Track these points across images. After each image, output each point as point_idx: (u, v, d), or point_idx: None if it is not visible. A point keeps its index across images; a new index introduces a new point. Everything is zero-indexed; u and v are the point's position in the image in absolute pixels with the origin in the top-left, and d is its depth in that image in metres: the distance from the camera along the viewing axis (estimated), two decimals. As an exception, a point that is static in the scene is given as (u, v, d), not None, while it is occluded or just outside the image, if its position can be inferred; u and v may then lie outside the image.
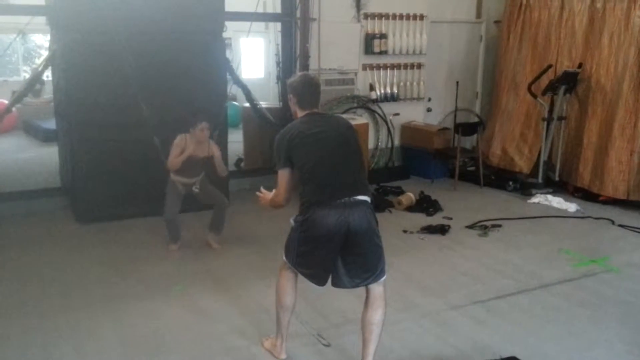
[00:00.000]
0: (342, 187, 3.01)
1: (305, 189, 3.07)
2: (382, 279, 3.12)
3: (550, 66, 7.08)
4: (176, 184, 4.99)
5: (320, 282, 3.14)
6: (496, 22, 8.28)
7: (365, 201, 3.05)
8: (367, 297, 3.13)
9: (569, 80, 6.91)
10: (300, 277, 3.21)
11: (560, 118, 7.11)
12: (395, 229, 5.71)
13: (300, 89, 3.17)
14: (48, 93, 10.11)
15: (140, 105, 5.04)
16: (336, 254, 3.05)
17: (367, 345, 3.11)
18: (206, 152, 4.93)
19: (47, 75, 7.11)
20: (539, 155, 7.26)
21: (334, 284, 3.14)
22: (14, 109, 6.87)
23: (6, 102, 9.72)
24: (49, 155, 7.77)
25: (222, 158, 5.23)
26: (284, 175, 3.11)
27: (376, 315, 3.09)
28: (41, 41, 12.94)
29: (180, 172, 4.92)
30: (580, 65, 6.92)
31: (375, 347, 3.11)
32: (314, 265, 3.10)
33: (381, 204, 6.41)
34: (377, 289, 3.11)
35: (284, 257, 3.22)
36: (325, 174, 3.04)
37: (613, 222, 5.99)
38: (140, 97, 5.08)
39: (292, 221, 3.15)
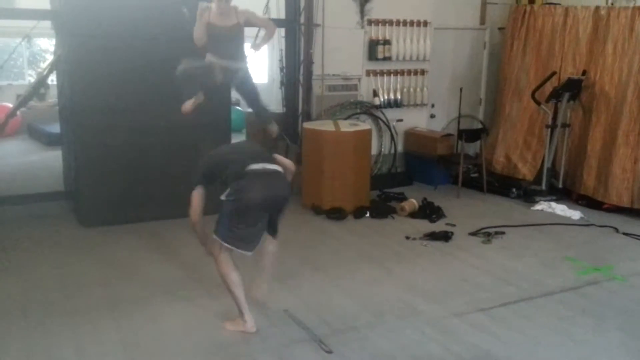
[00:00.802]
0: (255, 157, 3.53)
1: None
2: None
3: (554, 73, 7.07)
4: (214, 69, 4.58)
5: (250, 248, 3.53)
6: (500, 28, 8.28)
7: (280, 172, 3.59)
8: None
9: (573, 88, 6.90)
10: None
11: (564, 125, 7.10)
12: (398, 236, 5.70)
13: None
14: (52, 97, 10.15)
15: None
16: (265, 218, 3.51)
17: (264, 270, 3.77)
18: (234, 21, 4.57)
19: (52, 79, 7.15)
20: (543, 162, 7.25)
21: None
22: (18, 112, 6.92)
23: (11, 105, 9.81)
24: (52, 159, 7.78)
25: None
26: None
27: (270, 245, 3.69)
28: (46, 45, 13.02)
29: (213, 49, 4.59)
30: (584, 73, 6.92)
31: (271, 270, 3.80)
32: (246, 232, 3.47)
33: (384, 210, 6.41)
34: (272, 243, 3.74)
35: (215, 235, 3.53)
36: (238, 153, 3.69)
37: (617, 230, 5.97)
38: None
39: (222, 197, 3.47)
